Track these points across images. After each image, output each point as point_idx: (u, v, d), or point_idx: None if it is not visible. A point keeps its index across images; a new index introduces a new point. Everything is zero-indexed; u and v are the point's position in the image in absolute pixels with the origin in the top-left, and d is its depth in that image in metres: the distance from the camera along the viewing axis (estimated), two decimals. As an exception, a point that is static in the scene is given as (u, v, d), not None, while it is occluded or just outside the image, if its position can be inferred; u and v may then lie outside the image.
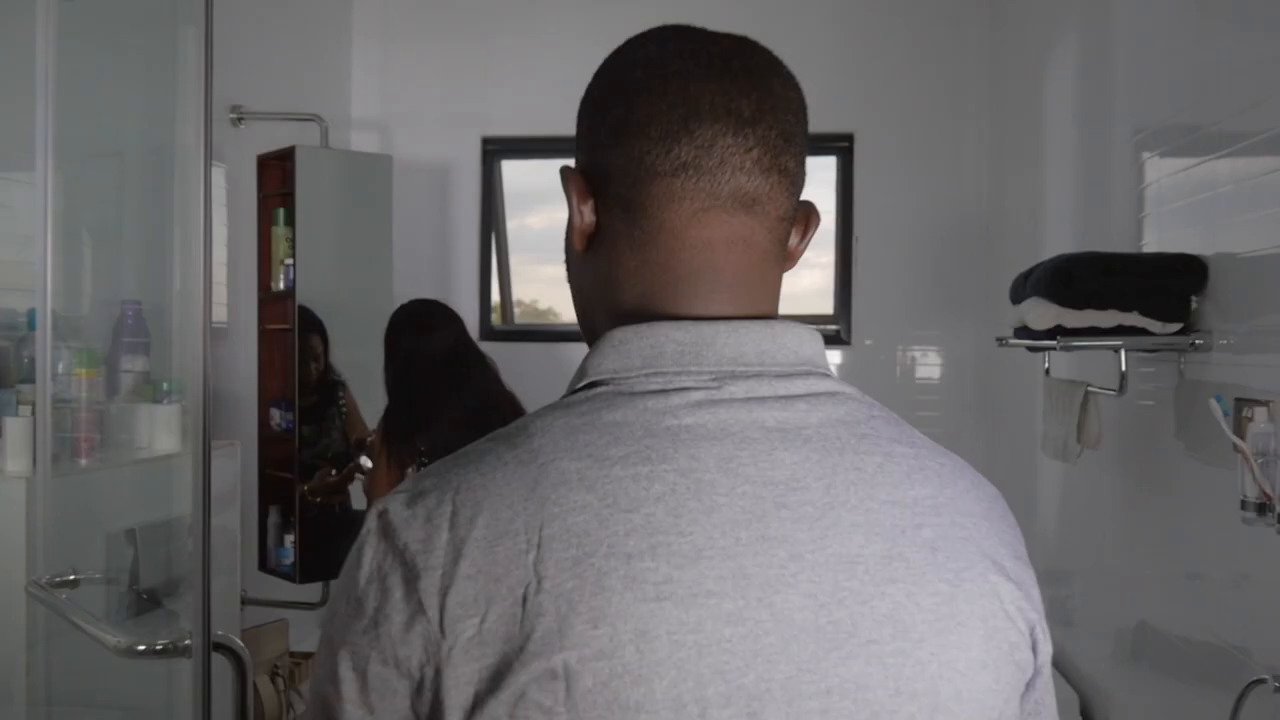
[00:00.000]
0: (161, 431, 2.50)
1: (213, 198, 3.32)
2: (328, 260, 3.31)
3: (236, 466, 2.70)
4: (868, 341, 4.06)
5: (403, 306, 2.85)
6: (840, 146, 4.09)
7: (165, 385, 2.67)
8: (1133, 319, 1.92)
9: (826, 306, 4.20)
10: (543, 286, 4.31)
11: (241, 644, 1.46)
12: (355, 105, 4.19)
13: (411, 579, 0.62)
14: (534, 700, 0.59)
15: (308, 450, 3.33)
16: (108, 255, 2.77)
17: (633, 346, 0.69)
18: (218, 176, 3.25)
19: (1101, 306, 1.93)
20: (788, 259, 0.77)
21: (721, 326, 0.69)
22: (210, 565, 1.16)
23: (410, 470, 2.70)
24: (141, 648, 1.55)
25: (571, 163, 0.79)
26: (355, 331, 3.38)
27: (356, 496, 3.34)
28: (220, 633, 1.42)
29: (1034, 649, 0.72)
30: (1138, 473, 2.20)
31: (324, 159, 3.30)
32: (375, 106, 4.19)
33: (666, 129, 0.69)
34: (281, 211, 3.24)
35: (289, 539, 3.21)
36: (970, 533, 0.70)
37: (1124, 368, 1.93)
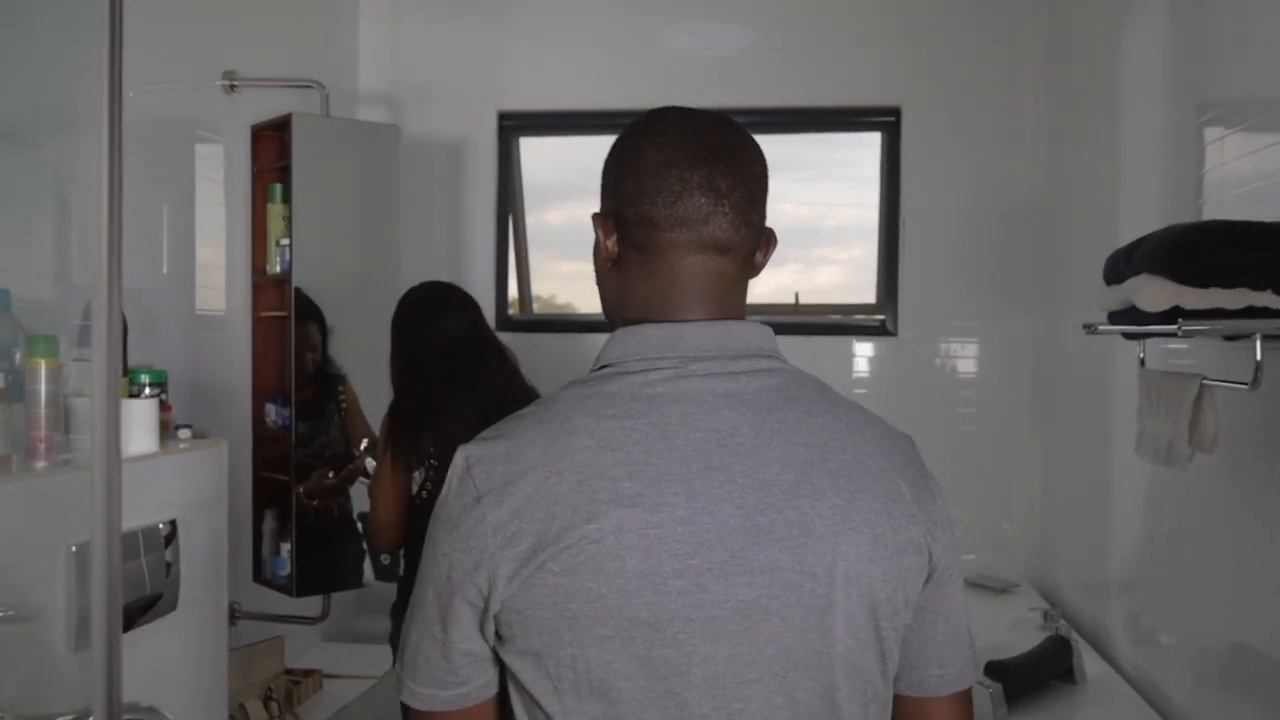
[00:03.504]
0: (137, 429, 2.22)
1: (205, 173, 3.09)
2: (328, 241, 3.02)
3: (223, 467, 2.41)
4: (912, 334, 3.74)
5: (413, 289, 2.56)
6: (885, 121, 3.77)
7: (143, 377, 2.40)
8: (1266, 299, 1.61)
9: (867, 295, 3.89)
10: (561, 281, 4.10)
11: (167, 717, 1.15)
12: (362, 77, 3.89)
13: (478, 497, 0.95)
14: (549, 568, 0.91)
15: (303, 449, 3.04)
16: (79, 234, 2.49)
17: (630, 341, 1.01)
18: (211, 151, 2.97)
19: (1228, 285, 1.62)
20: (752, 272, 1.08)
21: (689, 326, 1.00)
22: (119, 613, 0.86)
23: (418, 475, 2.41)
24: None
25: (596, 206, 1.10)
26: (357, 319, 3.09)
27: (360, 499, 3.06)
28: (137, 701, 1.12)
29: (929, 552, 1.01)
30: (1260, 478, 1.89)
31: (324, 128, 3.01)
32: (384, 79, 3.90)
33: (668, 199, 1.00)
34: (278, 187, 2.96)
35: (285, 547, 2.93)
36: (868, 465, 0.98)
37: (1259, 356, 1.62)
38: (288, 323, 2.88)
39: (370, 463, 3.04)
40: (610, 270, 1.07)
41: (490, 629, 0.96)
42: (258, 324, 3.03)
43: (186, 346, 2.88)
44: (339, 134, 3.10)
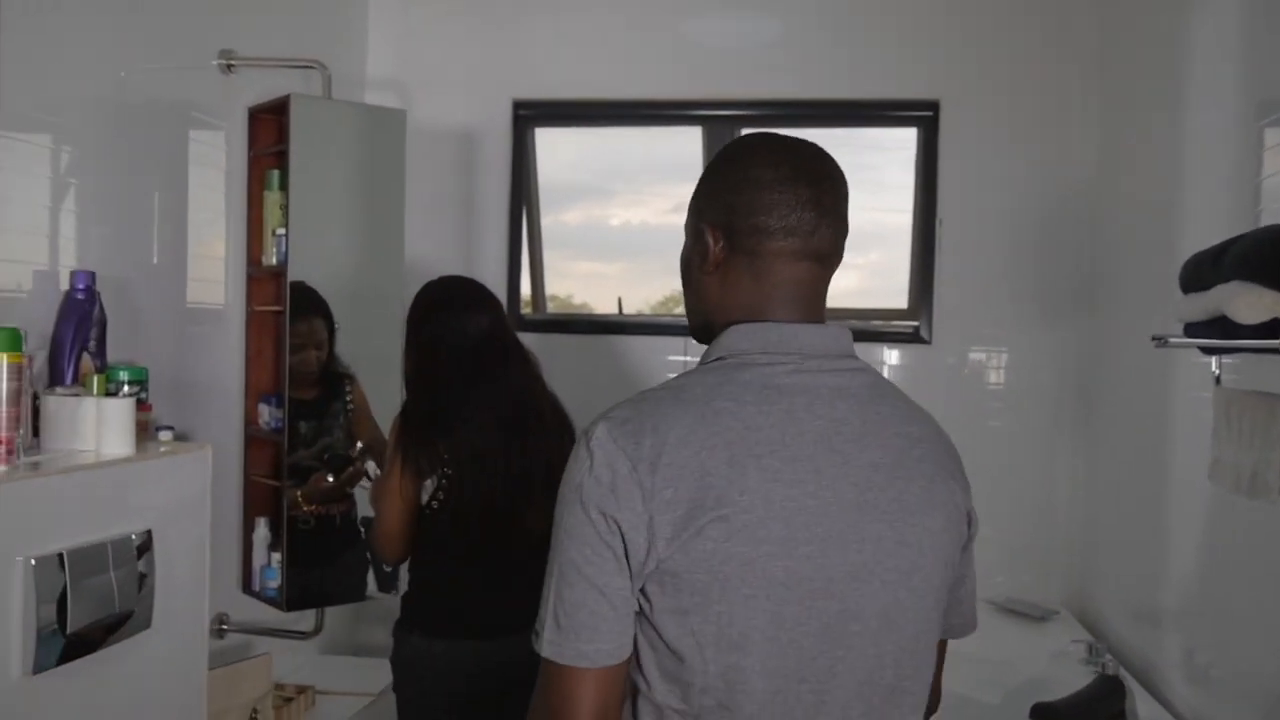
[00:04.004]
0: (111, 431, 2.03)
1: (200, 158, 2.90)
2: (326, 232, 2.83)
3: (207, 472, 2.22)
4: (946, 342, 3.54)
5: (431, 284, 2.36)
6: (923, 116, 3.57)
7: (122, 374, 2.21)
8: (1381, 312, 1.41)
9: (891, 301, 3.68)
10: (578, 282, 3.92)
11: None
12: (370, 61, 3.70)
13: (633, 465, 1.05)
14: (707, 533, 1.03)
15: (304, 451, 2.86)
16: (61, 220, 2.31)
17: (752, 336, 1.15)
18: (206, 135, 2.79)
19: (1338, 294, 1.42)
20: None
21: (800, 328, 1.15)
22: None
23: (428, 483, 2.21)
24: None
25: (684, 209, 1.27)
26: (357, 316, 2.91)
27: (366, 505, 2.87)
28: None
29: (969, 523, 1.21)
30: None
31: (324, 111, 2.82)
32: (392, 63, 3.71)
33: (783, 212, 1.15)
34: (276, 174, 2.77)
35: (277, 557, 2.74)
36: (938, 454, 1.18)
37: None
38: (284, 318, 2.69)
39: (372, 466, 2.85)
40: (713, 274, 1.19)
41: (637, 588, 1.07)
42: (252, 319, 2.85)
43: (176, 342, 2.70)
44: (341, 117, 2.91)
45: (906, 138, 3.64)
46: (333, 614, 3.17)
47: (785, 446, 1.07)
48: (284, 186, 2.70)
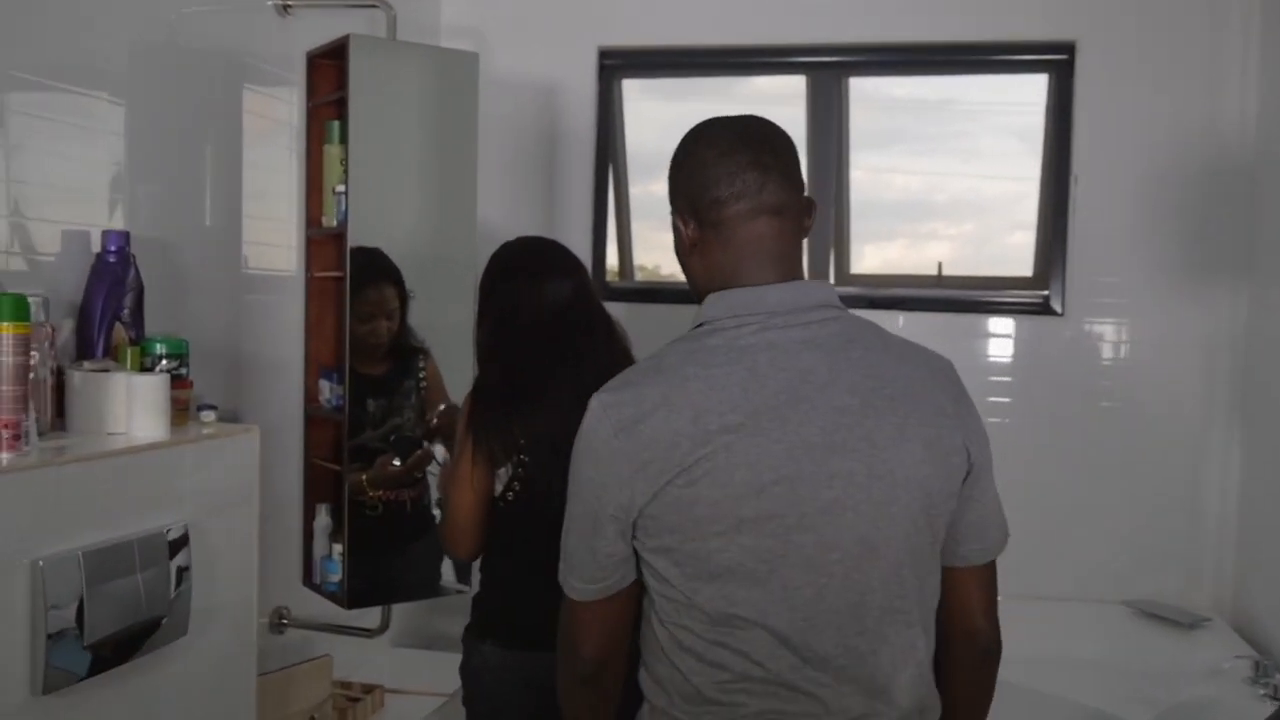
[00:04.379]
0: (143, 411, 1.80)
1: (255, 109, 2.63)
2: (392, 190, 2.57)
3: (255, 458, 1.98)
4: (1079, 314, 3.17)
5: (508, 245, 2.06)
6: (1055, 60, 3.18)
7: (158, 347, 1.97)
8: None
9: (1022, 268, 3.32)
10: (666, 253, 3.59)
11: None
12: (444, 7, 3.43)
13: (615, 432, 1.23)
14: (676, 483, 1.19)
15: (371, 432, 2.61)
16: (103, 178, 2.09)
17: (721, 302, 1.28)
18: (261, 84, 2.55)
19: None
20: (802, 234, 1.35)
21: (768, 289, 1.27)
22: None
23: (503, 472, 1.93)
24: None
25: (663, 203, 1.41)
26: (430, 285, 2.65)
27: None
28: None
29: (968, 454, 1.29)
30: None
31: (387, 54, 2.55)
32: (468, 8, 3.43)
33: (729, 180, 1.28)
34: (336, 125, 2.51)
35: (338, 548, 2.50)
36: (917, 390, 1.27)
37: None
38: (344, 285, 2.44)
39: (440, 452, 2.59)
40: (693, 254, 1.33)
41: (629, 533, 1.26)
42: (312, 286, 2.60)
43: (231, 311, 2.47)
44: (405, 60, 2.63)
45: (1009, 99, 3.31)
46: (405, 604, 2.94)
47: (747, 400, 1.20)
48: (344, 139, 2.44)
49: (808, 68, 3.37)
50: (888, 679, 1.25)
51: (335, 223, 2.50)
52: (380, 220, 2.51)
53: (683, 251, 1.36)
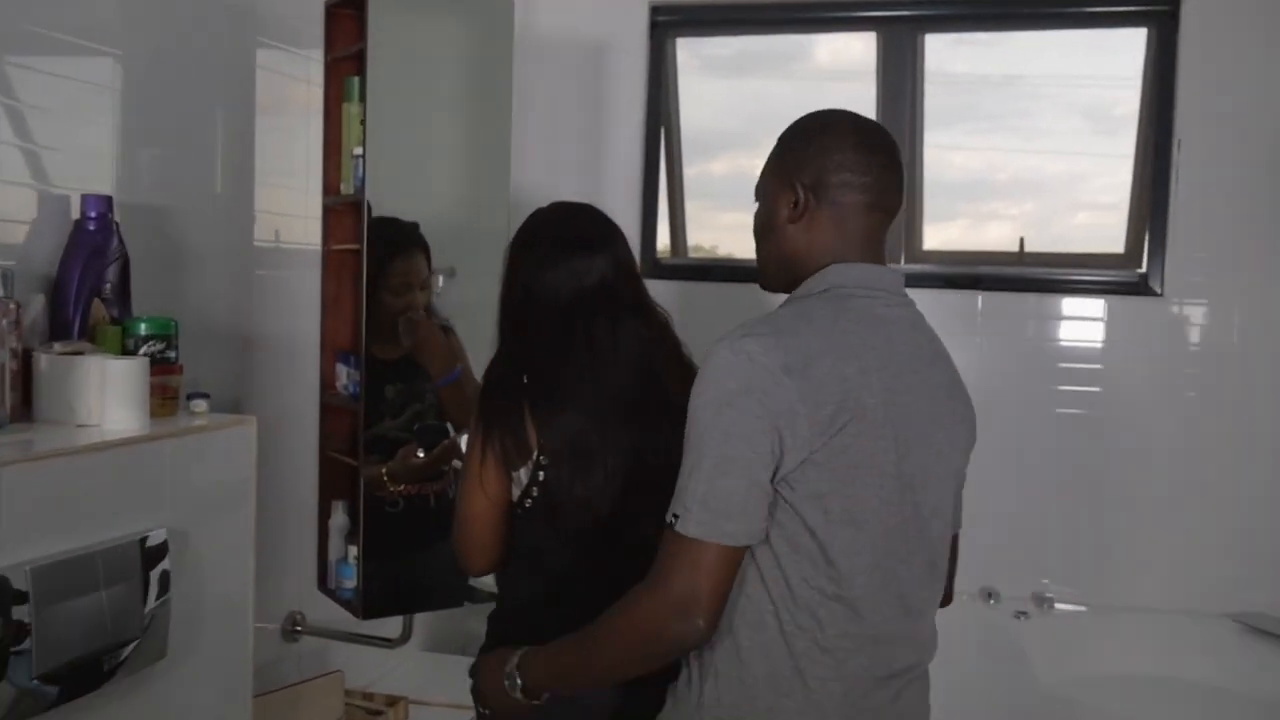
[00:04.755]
0: (117, 400, 1.57)
1: (268, 65, 2.38)
2: (415, 153, 2.34)
3: (250, 454, 1.75)
4: (1183, 294, 2.88)
5: (539, 212, 1.77)
6: (1156, 11, 2.88)
7: (141, 326, 1.74)
8: None
9: (1114, 244, 3.02)
10: (722, 233, 3.58)
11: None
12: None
13: (786, 371, 1.23)
14: (848, 430, 1.24)
15: (390, 421, 2.38)
16: (102, 140, 1.86)
17: (849, 274, 1.35)
18: (275, 37, 2.32)
19: None
20: None
21: (880, 269, 1.38)
22: None
23: (521, 474, 1.66)
24: None
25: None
26: (457, 260, 2.41)
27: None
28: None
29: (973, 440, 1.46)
30: None
31: (412, 2, 2.31)
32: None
33: (865, 170, 1.37)
34: (355, 81, 2.27)
35: (354, 551, 2.27)
36: (956, 375, 1.43)
37: None
38: (361, 258, 2.20)
39: (464, 441, 2.33)
40: (797, 224, 1.39)
41: (780, 478, 1.26)
42: (329, 260, 2.37)
43: (240, 288, 2.25)
44: (432, 9, 2.39)
45: (1079, 73, 3.08)
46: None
47: (893, 362, 1.30)
48: (363, 97, 2.20)
49: (879, 22, 3.09)
50: (931, 632, 1.42)
51: (353, 189, 2.26)
52: (402, 187, 2.29)
53: (781, 219, 1.40)
